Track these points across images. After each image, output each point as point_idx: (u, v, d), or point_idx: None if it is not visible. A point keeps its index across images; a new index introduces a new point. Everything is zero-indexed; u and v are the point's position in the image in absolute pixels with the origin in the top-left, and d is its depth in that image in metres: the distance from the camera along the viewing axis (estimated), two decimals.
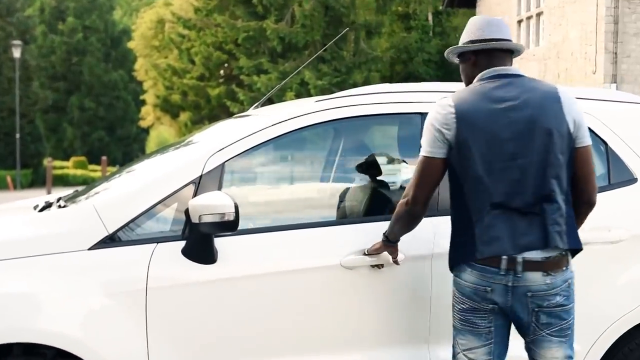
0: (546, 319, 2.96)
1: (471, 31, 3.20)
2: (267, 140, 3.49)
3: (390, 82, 25.43)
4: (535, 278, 2.91)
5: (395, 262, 3.35)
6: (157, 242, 3.22)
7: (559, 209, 2.93)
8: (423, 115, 3.55)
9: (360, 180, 4.71)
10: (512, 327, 3.07)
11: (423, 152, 3.05)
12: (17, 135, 32.23)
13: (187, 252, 3.16)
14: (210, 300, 3.23)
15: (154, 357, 3.16)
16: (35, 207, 3.88)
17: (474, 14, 22.97)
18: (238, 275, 3.24)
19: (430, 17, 34.33)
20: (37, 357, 3.09)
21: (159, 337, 3.17)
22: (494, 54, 3.15)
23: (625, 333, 3.58)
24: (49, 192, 22.22)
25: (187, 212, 3.15)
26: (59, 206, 3.67)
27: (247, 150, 3.46)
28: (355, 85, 24.90)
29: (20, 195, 24.87)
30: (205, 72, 32.25)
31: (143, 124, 49.62)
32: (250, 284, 3.26)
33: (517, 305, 2.95)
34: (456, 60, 3.32)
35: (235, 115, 4.44)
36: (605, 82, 15.93)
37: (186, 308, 3.21)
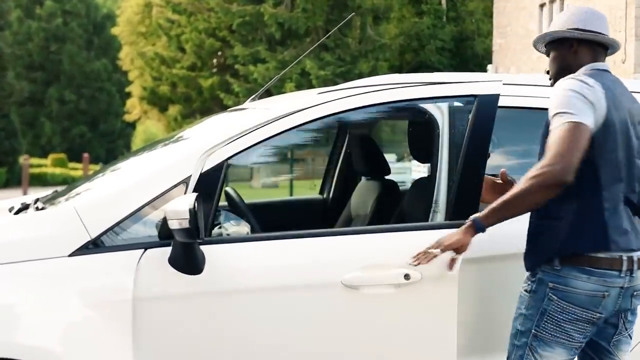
0: (631, 317, 3.17)
1: (578, 19, 3.30)
2: (270, 137, 3.48)
3: (400, 72, 25.42)
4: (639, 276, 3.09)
5: (452, 264, 3.30)
6: (145, 248, 3.21)
7: None
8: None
9: (368, 183, 4.71)
10: None
11: (575, 119, 2.95)
12: None
13: (171, 261, 3.15)
14: (201, 314, 3.22)
15: None
16: (10, 210, 3.88)
17: None
18: (223, 289, 3.23)
19: (443, 1, 34.32)
20: None
21: (146, 351, 3.17)
22: (597, 47, 3.31)
23: None
24: (25, 193, 22.26)
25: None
26: (37, 208, 3.67)
27: (247, 148, 3.45)
28: (361, 76, 24.89)
29: None
30: (197, 61, 32.27)
31: (128, 118, 49.62)
32: (238, 299, 3.24)
33: (622, 308, 3.08)
34: (543, 49, 3.45)
35: (230, 109, 4.44)
36: (636, 72, 15.91)
37: (176, 321, 3.21)
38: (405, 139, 4.17)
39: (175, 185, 3.32)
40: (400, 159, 15.98)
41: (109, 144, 52.26)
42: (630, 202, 3.10)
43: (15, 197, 4.93)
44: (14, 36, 46.58)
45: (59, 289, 3.13)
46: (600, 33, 3.28)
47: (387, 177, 4.70)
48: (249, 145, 3.44)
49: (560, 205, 3.02)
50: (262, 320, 3.25)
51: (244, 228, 3.61)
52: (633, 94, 3.48)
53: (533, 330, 3.08)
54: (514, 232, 3.24)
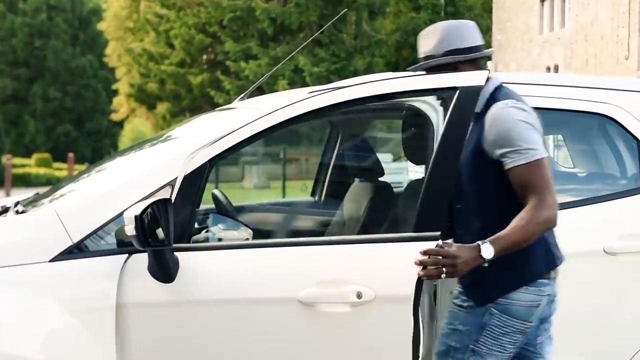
0: (549, 321, 3.23)
1: (453, 39, 3.32)
2: (252, 137, 3.44)
3: (396, 69, 25.46)
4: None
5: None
6: (129, 253, 3.20)
7: None
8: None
9: (361, 185, 4.69)
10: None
11: (540, 154, 3.05)
12: None
13: (148, 268, 3.15)
14: (183, 322, 3.21)
15: None
16: None
17: None
18: (191, 298, 3.19)
19: None
20: None
21: None
22: (479, 60, 3.36)
23: None
24: (7, 194, 22.20)
25: None
26: (17, 211, 3.66)
27: (234, 146, 3.42)
28: (356, 73, 24.90)
29: None
30: (186, 57, 32.23)
31: (115, 116, 49.60)
32: (203, 310, 3.20)
33: (545, 315, 3.16)
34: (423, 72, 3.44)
35: (219, 108, 4.43)
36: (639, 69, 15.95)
37: (160, 328, 3.20)
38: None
39: (161, 188, 3.30)
40: (396, 158, 15.98)
41: (95, 143, 52.21)
42: None
43: None
44: None
45: (39, 296, 3.11)
46: (479, 46, 3.34)
47: (380, 179, 4.70)
48: (231, 145, 3.40)
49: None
50: (225, 333, 3.21)
51: (242, 233, 3.59)
52: (608, 90, 3.53)
53: (471, 346, 3.10)
54: None
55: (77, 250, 3.20)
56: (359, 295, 3.12)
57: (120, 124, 52.64)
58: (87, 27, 53.89)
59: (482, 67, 3.34)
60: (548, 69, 22.83)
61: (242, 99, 4.40)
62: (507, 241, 2.95)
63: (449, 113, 3.25)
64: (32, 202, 3.89)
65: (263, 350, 3.19)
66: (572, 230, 3.53)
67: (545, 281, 3.11)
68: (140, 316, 3.18)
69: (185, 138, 3.81)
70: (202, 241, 3.67)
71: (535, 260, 3.10)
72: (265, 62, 26.71)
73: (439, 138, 3.28)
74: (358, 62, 27.34)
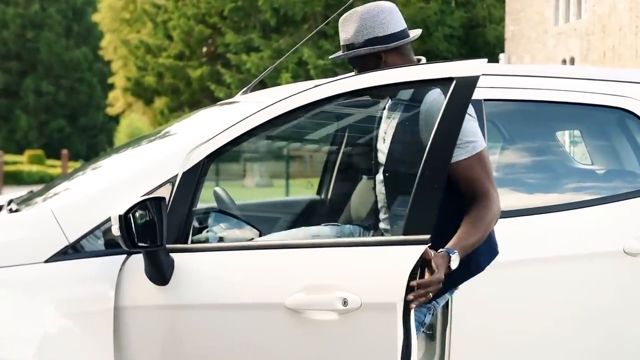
0: None
1: (373, 26, 3.31)
2: (250, 131, 3.42)
3: None
4: None
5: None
6: (128, 254, 3.20)
7: None
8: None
9: (370, 182, 4.69)
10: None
11: (483, 145, 3.09)
12: None
13: (145, 270, 3.15)
14: (178, 326, 3.20)
15: None
16: None
17: None
18: (184, 302, 3.18)
19: None
20: None
21: None
22: (406, 47, 3.37)
23: None
24: None
25: None
26: (10, 210, 3.67)
27: (232, 141, 3.41)
28: None
29: None
30: (185, 49, 32.24)
31: (111, 111, 49.65)
32: (195, 315, 3.18)
33: None
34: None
35: (220, 102, 4.44)
36: None
37: (158, 332, 3.20)
38: None
39: (161, 185, 3.30)
40: None
41: (89, 139, 52.29)
42: None
43: None
44: None
45: (33, 298, 3.11)
46: (402, 32, 3.32)
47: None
48: (228, 141, 3.39)
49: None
50: (219, 339, 3.18)
51: (247, 233, 3.58)
52: (625, 83, 3.53)
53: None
54: None
55: (73, 251, 3.20)
56: (344, 302, 3.01)
57: (116, 119, 52.67)
58: (81, 18, 53.92)
59: (407, 53, 3.33)
60: (564, 62, 22.80)
61: (245, 92, 4.40)
62: (469, 245, 2.98)
63: (444, 105, 3.11)
64: (26, 200, 3.90)
65: (251, 357, 3.16)
66: (591, 230, 3.53)
67: None
68: (140, 319, 3.18)
69: (185, 133, 3.81)
70: (203, 241, 3.67)
71: (480, 253, 3.13)
72: (267, 55, 26.71)
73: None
74: None
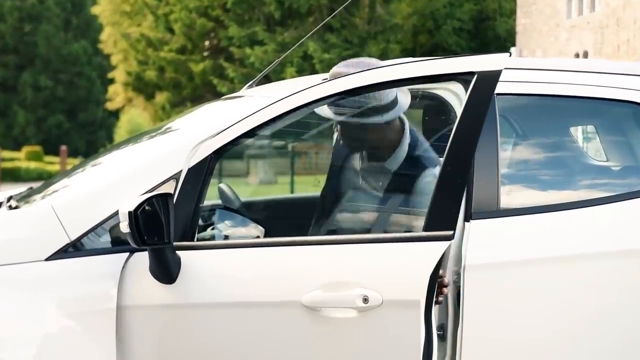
0: None
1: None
2: (258, 126, 3.42)
3: (413, 56, 25.42)
4: None
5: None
6: (131, 251, 3.20)
7: None
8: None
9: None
10: None
11: None
12: None
13: (149, 268, 3.16)
14: (186, 326, 3.20)
15: None
16: None
17: None
18: (191, 301, 3.18)
19: None
20: None
21: None
22: None
23: None
24: None
25: None
26: (10, 207, 3.67)
27: (241, 136, 3.41)
28: None
29: None
30: (187, 43, 32.25)
31: (111, 106, 49.62)
32: (208, 313, 3.19)
33: None
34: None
35: (225, 97, 4.44)
36: None
37: (166, 333, 3.20)
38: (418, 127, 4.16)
39: (166, 181, 3.30)
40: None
41: (89, 135, 52.35)
42: None
43: None
44: None
45: (34, 297, 3.12)
46: None
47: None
48: (237, 136, 3.39)
49: None
50: (229, 338, 3.19)
51: (252, 230, 3.58)
52: (633, 76, 3.56)
53: None
54: None
55: (74, 249, 3.21)
56: (365, 300, 3.07)
57: (116, 115, 52.67)
58: (80, 10, 53.96)
59: None
60: (577, 56, 22.77)
61: (251, 86, 4.40)
62: None
63: (465, 101, 3.18)
64: (26, 196, 3.90)
65: (265, 357, 3.17)
66: (606, 228, 3.52)
67: None
68: (143, 319, 3.18)
69: (190, 128, 3.81)
70: (208, 239, 3.67)
71: None
72: (271, 49, 26.73)
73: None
74: (372, 48, 27.32)
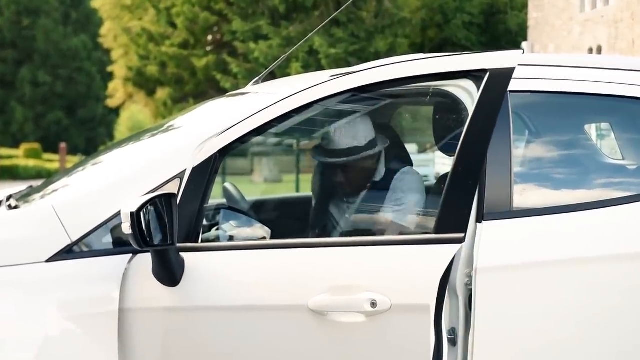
0: None
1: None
2: (263, 125, 3.43)
3: (422, 51, 25.38)
4: None
5: None
6: (134, 253, 3.20)
7: None
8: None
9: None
10: None
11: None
12: None
13: (152, 270, 3.16)
14: (189, 330, 3.20)
15: None
16: None
17: None
18: (195, 304, 3.19)
19: None
20: None
21: None
22: None
23: None
24: None
25: None
26: (9, 206, 3.67)
27: (248, 134, 3.42)
28: (377, 55, 24.87)
29: None
30: (190, 37, 32.26)
31: (111, 102, 49.66)
32: (212, 317, 3.19)
33: None
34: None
35: (230, 93, 4.44)
36: None
37: (169, 336, 3.20)
38: (425, 126, 4.16)
39: (169, 181, 3.30)
40: (422, 150, 15.97)
41: (88, 132, 52.40)
42: None
43: None
44: None
45: (34, 299, 3.12)
46: None
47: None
48: (243, 134, 3.40)
49: None
50: (234, 342, 3.19)
51: (257, 231, 3.58)
52: (633, 72, 3.58)
53: None
54: None
55: (76, 250, 3.21)
56: (373, 304, 3.07)
57: (116, 111, 52.70)
58: (80, 4, 54.02)
59: None
60: (590, 51, 22.74)
61: (256, 82, 4.40)
62: None
63: (477, 98, 3.21)
64: (26, 196, 3.90)
65: None
66: (623, 230, 3.51)
67: None
68: (146, 322, 3.19)
69: (194, 126, 3.81)
70: (212, 240, 3.67)
71: None
72: (276, 43, 26.71)
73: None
74: (379, 43, 27.30)
